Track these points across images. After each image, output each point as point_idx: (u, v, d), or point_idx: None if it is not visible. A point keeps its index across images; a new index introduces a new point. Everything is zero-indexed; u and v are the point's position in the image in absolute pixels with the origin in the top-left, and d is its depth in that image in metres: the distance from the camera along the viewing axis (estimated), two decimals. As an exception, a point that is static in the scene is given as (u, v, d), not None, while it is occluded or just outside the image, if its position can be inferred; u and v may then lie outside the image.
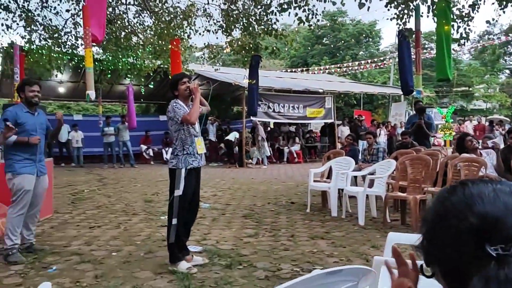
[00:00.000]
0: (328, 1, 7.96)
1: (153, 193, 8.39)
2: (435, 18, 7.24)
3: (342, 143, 14.80)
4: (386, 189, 6.16)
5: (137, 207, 6.87)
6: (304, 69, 27.35)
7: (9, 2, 9.98)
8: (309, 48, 35.02)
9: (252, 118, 14.64)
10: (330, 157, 7.38)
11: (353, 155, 7.32)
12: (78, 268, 3.83)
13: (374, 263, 1.91)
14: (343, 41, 33.69)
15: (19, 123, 4.05)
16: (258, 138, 14.16)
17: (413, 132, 8.40)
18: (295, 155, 15.90)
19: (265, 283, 3.44)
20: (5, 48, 11.38)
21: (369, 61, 26.76)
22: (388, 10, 7.91)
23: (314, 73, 26.23)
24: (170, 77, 10.94)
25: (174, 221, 3.75)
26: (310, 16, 8.62)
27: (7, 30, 10.48)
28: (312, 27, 9.33)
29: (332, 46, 34.74)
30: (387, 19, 8.52)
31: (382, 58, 28.07)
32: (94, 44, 6.64)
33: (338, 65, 26.74)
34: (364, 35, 34.39)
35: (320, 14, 9.05)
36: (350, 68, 26.73)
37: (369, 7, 6.54)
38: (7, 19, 10.33)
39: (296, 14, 8.62)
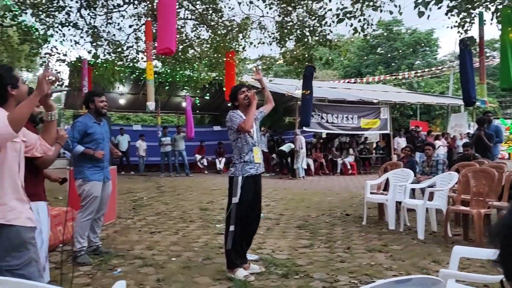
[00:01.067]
0: (385, 11, 7.85)
1: (208, 201, 8.58)
2: (499, 25, 6.94)
3: (398, 154, 14.41)
4: (447, 202, 5.93)
5: (193, 215, 7.07)
6: (358, 79, 26.94)
7: (78, 19, 10.69)
8: (363, 57, 34.51)
9: (305, 128, 14.61)
10: (387, 168, 7.22)
11: (410, 166, 7.11)
12: (141, 271, 4.01)
13: (440, 276, 1.87)
14: (398, 51, 32.91)
15: (88, 133, 4.33)
16: (296, 148, 14.01)
17: (473, 144, 8.05)
18: (348, 167, 15.65)
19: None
20: (72, 62, 12.15)
21: (426, 70, 25.94)
22: (449, 18, 7.69)
23: (369, 83, 25.79)
24: (224, 88, 11.24)
25: (232, 228, 3.83)
26: (365, 26, 8.55)
27: (75, 45, 11.24)
28: (367, 37, 9.24)
29: (387, 55, 34.02)
30: (447, 27, 8.28)
31: (440, 68, 27.11)
32: (166, 55, 6.93)
33: (394, 74, 26.09)
34: (421, 44, 33.40)
35: (375, 24, 8.95)
36: (406, 77, 26.03)
37: (429, 16, 6.38)
38: (75, 35, 11.08)
39: (351, 25, 8.56)
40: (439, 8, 6.90)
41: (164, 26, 4.58)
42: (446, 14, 7.39)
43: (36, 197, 2.78)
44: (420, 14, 6.19)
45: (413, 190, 7.02)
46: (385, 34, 32.84)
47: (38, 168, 2.84)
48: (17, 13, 10.11)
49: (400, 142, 15.18)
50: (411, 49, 33.08)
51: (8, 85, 2.23)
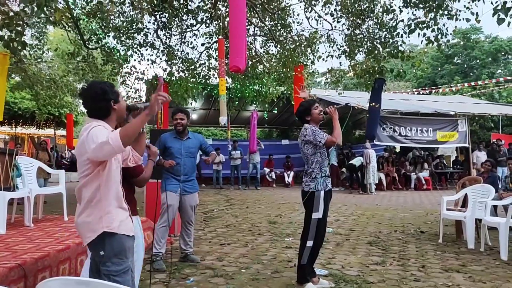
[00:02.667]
0: (461, 19, 7.49)
1: (277, 215, 8.62)
2: None
3: (477, 169, 13.51)
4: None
5: (262, 228, 7.13)
6: (434, 90, 25.73)
7: (154, 39, 11.37)
8: (438, 68, 32.95)
9: (375, 142, 14.21)
10: (466, 184, 6.82)
11: (492, 182, 6.65)
12: (212, 281, 4.12)
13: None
14: (477, 60, 31.01)
15: (167, 147, 4.64)
16: (364, 163, 13.59)
17: None
18: (423, 182, 14.95)
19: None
20: (149, 80, 12.89)
21: (509, 79, 24.16)
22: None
23: (444, 94, 24.55)
24: (292, 102, 11.27)
25: (310, 243, 3.83)
26: (439, 36, 8.21)
27: (152, 64, 11.95)
28: (441, 47, 8.85)
29: (464, 65, 32.21)
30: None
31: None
32: (237, 73, 7.15)
33: (472, 86, 24.58)
34: (502, 52, 31.24)
35: (450, 34, 8.57)
36: (486, 88, 24.43)
37: (509, 23, 5.99)
38: (152, 55, 11.81)
39: (424, 34, 8.26)
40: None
41: (234, 44, 4.74)
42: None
43: (132, 211, 3.01)
44: (500, 21, 5.82)
45: (495, 207, 6.57)
46: (462, 43, 31.14)
47: (132, 183, 3.06)
48: (101, 36, 10.99)
49: (480, 156, 14.23)
50: (491, 58, 31.04)
51: (112, 100, 2.39)
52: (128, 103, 2.59)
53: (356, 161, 14.22)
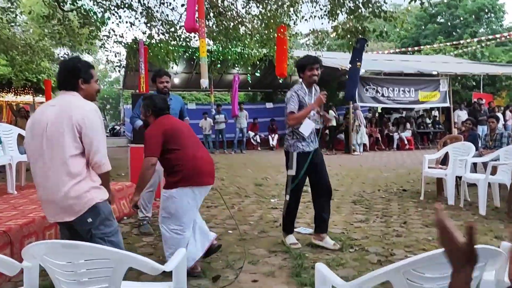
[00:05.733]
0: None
1: (263, 177, 8.70)
2: None
3: (458, 128, 13.75)
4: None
5: (248, 190, 7.21)
6: (416, 49, 25.69)
7: (132, 1, 10.98)
8: (421, 28, 32.77)
9: (360, 104, 14.27)
10: (447, 142, 6.94)
11: (472, 140, 6.78)
12: (199, 242, 4.17)
13: (501, 248, 1.80)
14: (460, 19, 30.88)
15: None
16: (356, 123, 13.70)
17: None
18: (405, 142, 15.18)
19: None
20: (129, 43, 12.55)
21: (491, 37, 24.25)
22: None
23: (427, 54, 24.57)
24: (275, 65, 11.15)
25: (287, 197, 4.00)
26: (422, -7, 8.12)
27: (131, 27, 11.59)
28: (425, 6, 8.76)
29: (448, 24, 32.07)
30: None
31: (506, 35, 25.22)
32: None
33: (454, 44, 24.58)
34: (485, 11, 31.14)
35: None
36: (468, 47, 24.48)
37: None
38: (130, 17, 11.43)
39: (408, -8, 8.18)
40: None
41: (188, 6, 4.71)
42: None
43: None
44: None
45: (474, 165, 6.73)
46: (446, 1, 30.91)
47: None
48: (76, -3, 10.56)
49: (461, 116, 14.49)
50: (475, 17, 30.95)
51: (81, 78, 2.44)
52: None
53: (334, 121, 14.33)
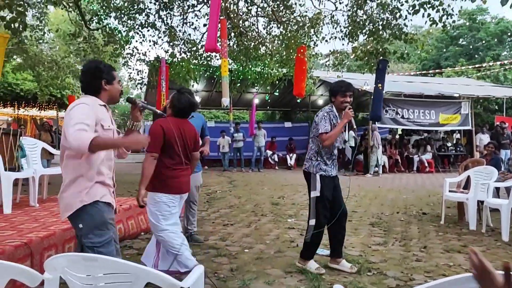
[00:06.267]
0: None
1: (279, 196, 8.66)
2: None
3: (480, 152, 13.50)
4: (536, 203, 5.48)
5: (265, 209, 7.18)
6: (437, 71, 25.50)
7: (156, 20, 11.26)
8: (442, 50, 32.57)
9: (378, 124, 14.18)
10: (468, 166, 6.82)
11: (495, 164, 6.65)
12: (216, 260, 4.17)
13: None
14: (482, 41, 30.63)
15: None
16: (374, 144, 13.56)
17: None
18: (426, 164, 14.96)
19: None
20: (151, 61, 12.82)
21: (515, 61, 23.92)
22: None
23: (449, 76, 24.35)
24: (293, 84, 11.19)
25: (312, 222, 3.81)
26: (444, 17, 8.11)
27: (154, 45, 11.87)
28: (446, 28, 8.74)
29: (469, 47, 31.81)
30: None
31: (530, 58, 24.89)
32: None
33: (477, 67, 24.32)
34: (508, 34, 30.84)
35: (456, 14, 8.45)
36: (491, 70, 24.19)
37: (514, 3, 5.89)
38: (154, 36, 11.71)
39: (429, 15, 8.18)
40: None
41: (209, 28, 4.81)
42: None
43: None
44: (504, 1, 5.73)
45: (497, 189, 6.58)
46: (468, 24, 30.73)
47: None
48: (102, 16, 10.89)
49: (483, 139, 14.23)
50: (497, 39, 30.66)
51: (104, 80, 2.48)
52: (130, 96, 2.65)
53: (352, 141, 14.21)
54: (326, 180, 3.83)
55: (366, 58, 10.23)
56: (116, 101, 2.65)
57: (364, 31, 9.76)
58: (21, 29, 7.37)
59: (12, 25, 7.15)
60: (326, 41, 10.82)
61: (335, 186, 3.94)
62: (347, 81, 4.07)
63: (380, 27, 9.37)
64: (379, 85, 11.46)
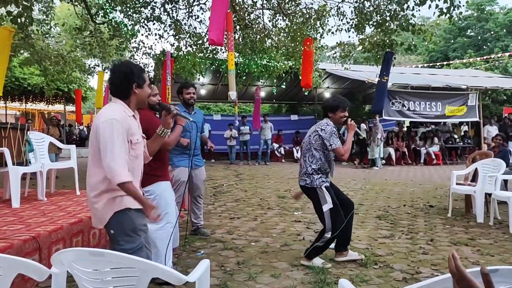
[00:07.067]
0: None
1: (286, 189, 8.67)
2: None
3: (488, 144, 13.40)
4: (545, 195, 5.44)
5: (271, 202, 7.19)
6: (445, 63, 25.26)
7: (161, 13, 11.24)
8: (450, 41, 32.25)
9: (384, 117, 14.12)
10: (476, 158, 6.77)
11: (503, 156, 6.59)
12: (222, 254, 4.19)
13: None
14: (491, 32, 30.27)
15: None
16: (376, 137, 13.48)
17: None
18: (433, 157, 14.87)
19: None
20: (157, 55, 12.82)
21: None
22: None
23: (457, 68, 24.12)
24: (300, 77, 11.15)
25: (328, 234, 3.76)
26: (451, 8, 8.02)
27: (159, 39, 11.85)
28: (454, 19, 8.63)
29: (478, 38, 31.47)
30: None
31: (540, 49, 24.57)
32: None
33: (485, 59, 24.04)
34: (517, 24, 30.45)
35: (463, 5, 8.35)
36: (499, 61, 23.91)
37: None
38: (159, 30, 11.70)
39: (437, 6, 8.09)
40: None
41: (213, 19, 4.79)
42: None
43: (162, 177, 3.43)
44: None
45: (505, 182, 6.53)
46: (476, 14, 30.37)
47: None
48: (108, 10, 10.90)
49: (491, 131, 14.11)
50: (506, 30, 30.28)
51: (134, 83, 2.40)
52: (161, 102, 2.61)
53: (362, 133, 14.16)
54: (330, 188, 3.85)
55: (375, 49, 10.15)
56: (144, 105, 2.56)
57: (371, 22, 9.67)
58: (27, 23, 7.40)
59: (19, 19, 7.18)
60: (332, 33, 10.75)
61: (333, 185, 3.98)
62: (342, 97, 4.12)
63: (388, 18, 9.28)
64: (385, 77, 11.41)
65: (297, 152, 16.37)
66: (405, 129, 16.42)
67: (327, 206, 3.76)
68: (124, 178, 2.23)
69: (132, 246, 2.34)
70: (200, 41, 11.84)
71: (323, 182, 3.82)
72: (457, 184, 6.25)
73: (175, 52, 11.86)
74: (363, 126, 14.38)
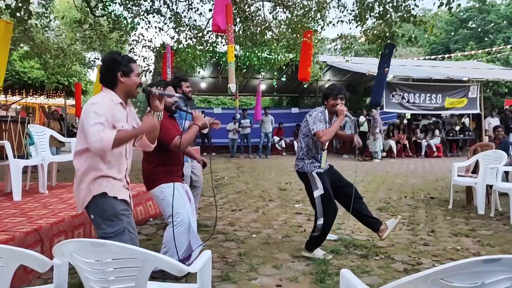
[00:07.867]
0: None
1: (287, 182, 8.67)
2: None
3: (489, 136, 13.38)
4: (546, 187, 5.43)
5: (272, 194, 7.20)
6: (446, 56, 25.16)
7: (161, 6, 11.18)
8: (452, 33, 32.08)
9: (386, 109, 14.10)
10: (477, 150, 6.76)
11: (504, 148, 6.57)
12: (224, 245, 4.20)
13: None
14: (492, 24, 30.09)
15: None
16: (375, 130, 13.43)
17: None
18: (434, 149, 14.85)
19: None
20: (157, 48, 12.76)
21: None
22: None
23: (458, 60, 24.03)
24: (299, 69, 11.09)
25: (320, 221, 3.76)
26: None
27: (160, 32, 11.80)
28: (453, 11, 8.58)
29: (479, 29, 31.28)
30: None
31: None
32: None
33: (487, 51, 23.92)
34: (519, 15, 30.26)
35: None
36: (501, 53, 23.80)
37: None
38: (159, 22, 11.65)
39: (437, -4, 8.04)
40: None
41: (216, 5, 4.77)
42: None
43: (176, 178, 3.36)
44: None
45: (506, 173, 6.52)
46: (477, 6, 30.18)
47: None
48: (107, 3, 10.84)
49: (492, 123, 14.04)
50: (507, 22, 30.09)
51: (120, 71, 2.42)
52: (145, 86, 2.58)
53: (364, 126, 14.11)
54: (323, 175, 3.83)
55: (377, 41, 10.10)
56: (133, 96, 2.55)
57: (372, 14, 9.60)
58: (26, 17, 7.37)
59: (17, 13, 7.14)
60: (333, 25, 10.68)
61: (333, 173, 3.98)
62: (339, 85, 4.09)
63: (390, 9, 9.21)
64: (386, 69, 11.35)
65: (298, 145, 16.36)
66: (405, 121, 16.38)
67: (318, 192, 3.77)
68: (110, 137, 2.22)
69: (114, 230, 2.37)
70: (200, 34, 11.79)
71: (315, 168, 3.82)
72: (458, 176, 6.24)
73: (175, 45, 11.82)
74: (362, 118, 14.33)
